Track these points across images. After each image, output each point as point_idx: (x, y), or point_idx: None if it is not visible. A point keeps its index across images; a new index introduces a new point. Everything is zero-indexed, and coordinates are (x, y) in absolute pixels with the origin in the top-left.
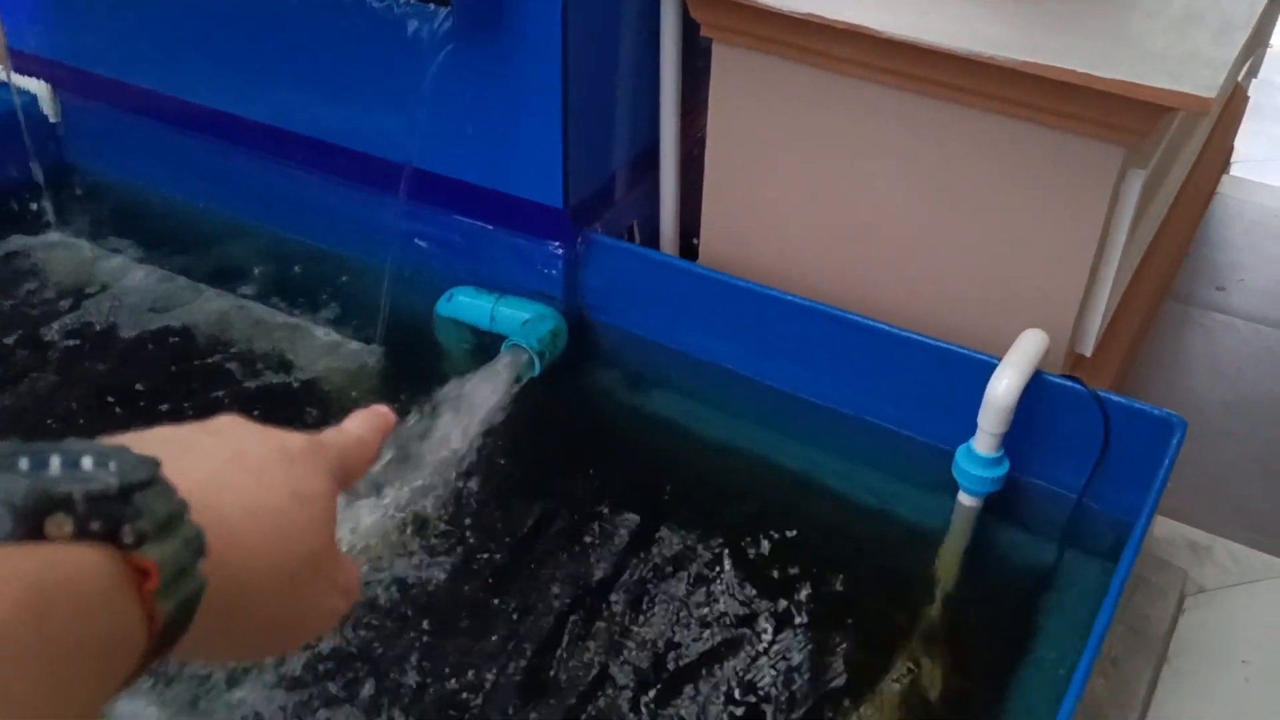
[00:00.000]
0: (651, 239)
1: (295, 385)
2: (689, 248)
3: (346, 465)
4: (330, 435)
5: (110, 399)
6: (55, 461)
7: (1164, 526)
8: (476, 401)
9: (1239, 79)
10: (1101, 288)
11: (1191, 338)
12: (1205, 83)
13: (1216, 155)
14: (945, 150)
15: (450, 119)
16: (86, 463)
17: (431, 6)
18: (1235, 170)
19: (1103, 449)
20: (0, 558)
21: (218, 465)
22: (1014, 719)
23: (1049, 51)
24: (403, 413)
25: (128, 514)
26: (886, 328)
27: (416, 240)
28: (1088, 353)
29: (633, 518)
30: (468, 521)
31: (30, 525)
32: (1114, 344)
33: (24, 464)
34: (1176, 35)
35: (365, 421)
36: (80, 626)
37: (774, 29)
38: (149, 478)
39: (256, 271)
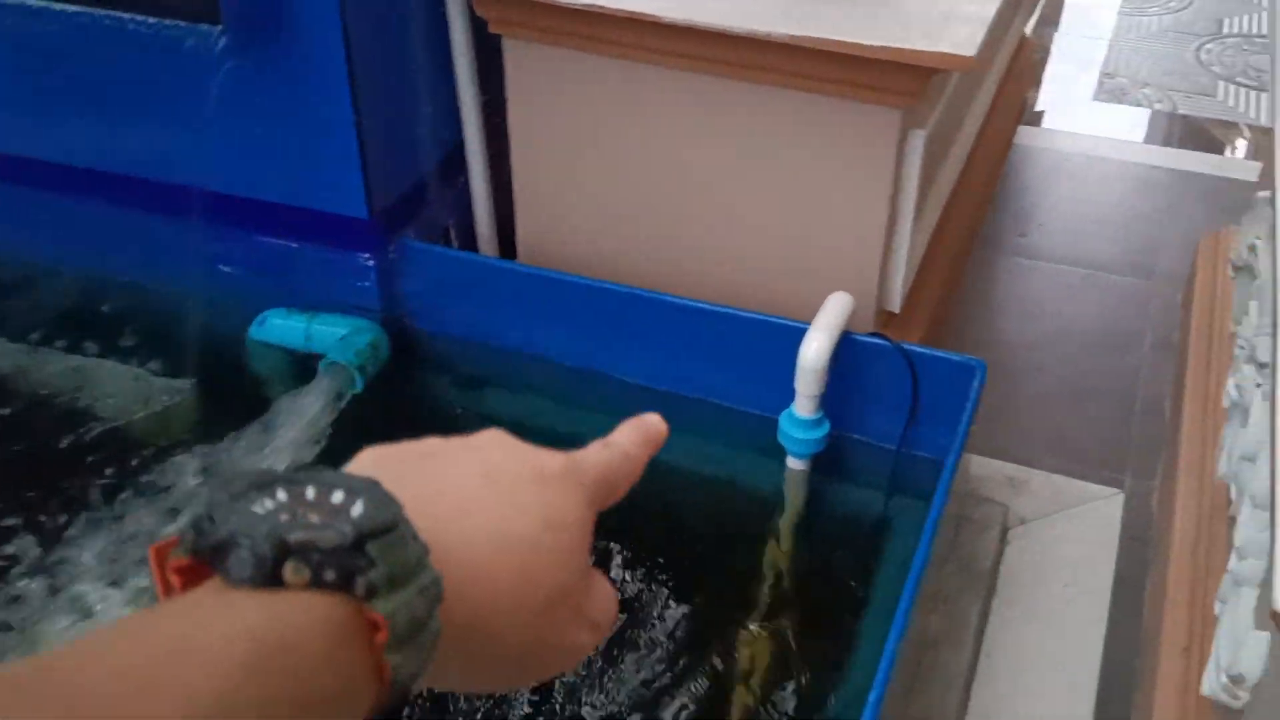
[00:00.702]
0: (470, 239)
1: (106, 431)
2: (509, 244)
3: (608, 484)
4: (593, 452)
5: None
6: (310, 492)
7: (982, 465)
8: (295, 422)
9: (1026, 32)
10: (900, 246)
11: (999, 282)
12: (965, 41)
13: (1011, 106)
14: (734, 125)
15: (241, 137)
16: (338, 496)
17: (203, 25)
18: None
19: (913, 398)
20: (231, 610)
21: (471, 489)
22: (859, 663)
23: (813, 22)
24: (217, 440)
25: (362, 565)
26: (701, 305)
27: (221, 266)
28: (895, 309)
29: None
30: None
31: (269, 571)
32: (923, 296)
33: (280, 495)
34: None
35: (633, 433)
36: (305, 686)
37: (558, 20)
38: (389, 522)
39: (57, 314)
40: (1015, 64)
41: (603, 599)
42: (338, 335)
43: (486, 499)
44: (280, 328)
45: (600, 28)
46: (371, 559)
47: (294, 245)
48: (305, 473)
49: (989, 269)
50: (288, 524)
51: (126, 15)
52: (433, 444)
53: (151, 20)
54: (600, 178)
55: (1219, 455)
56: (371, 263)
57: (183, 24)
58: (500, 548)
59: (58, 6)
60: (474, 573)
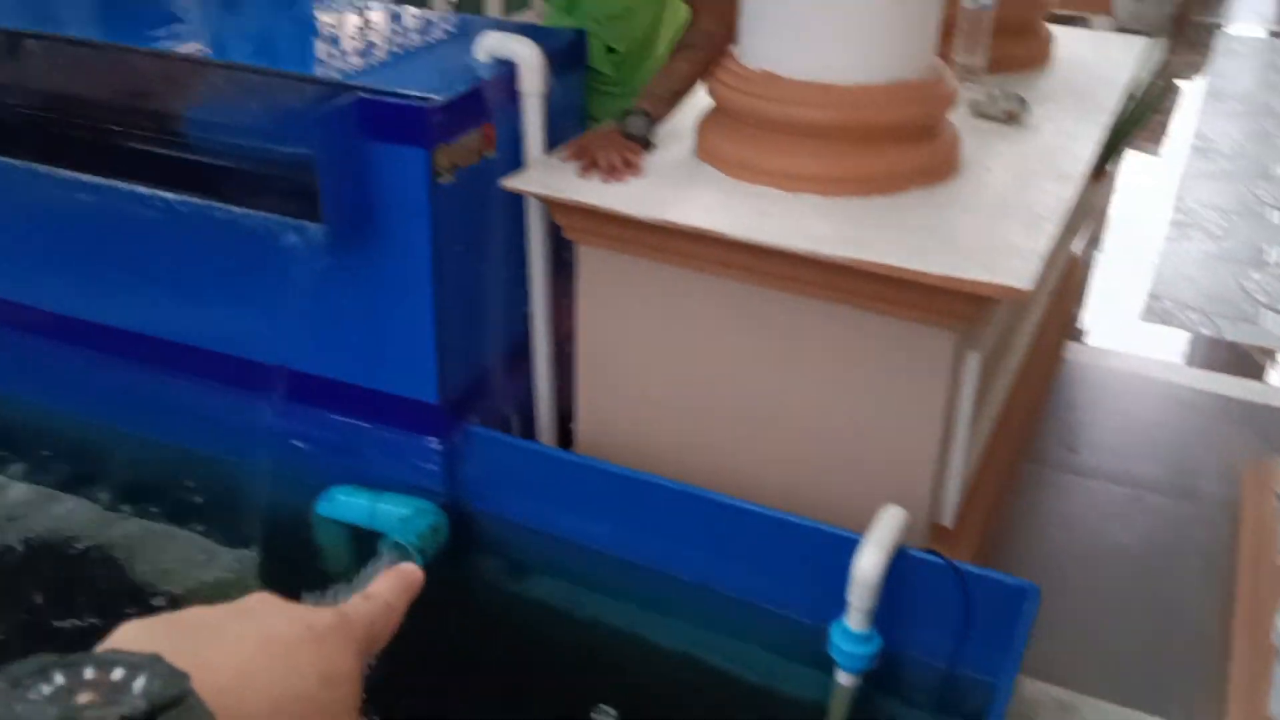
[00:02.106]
0: (530, 427)
1: (169, 601)
2: (567, 435)
3: (373, 635)
4: (356, 606)
5: None
6: (88, 672)
7: (1031, 687)
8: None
9: (1075, 253)
10: (954, 462)
11: (1048, 498)
12: (1020, 273)
13: (1060, 325)
14: (793, 336)
15: (325, 321)
16: (117, 674)
17: (305, 221)
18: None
19: (965, 619)
20: None
21: (247, 655)
22: None
23: (873, 247)
24: None
25: None
26: (753, 508)
27: (293, 441)
28: (948, 523)
29: (519, 702)
30: None
31: None
32: (974, 511)
33: (58, 679)
34: (992, 228)
35: (390, 584)
36: None
37: (630, 231)
38: (179, 694)
39: (132, 480)
40: (1064, 283)
41: None
42: (400, 516)
43: (265, 664)
44: (345, 505)
45: (669, 239)
46: None
47: (365, 425)
48: (80, 654)
49: (1037, 484)
50: (77, 705)
51: (239, 208)
52: (200, 614)
53: (260, 214)
54: (660, 377)
55: (1270, 694)
56: (437, 447)
57: (288, 219)
58: (280, 709)
59: (176, 197)
60: None
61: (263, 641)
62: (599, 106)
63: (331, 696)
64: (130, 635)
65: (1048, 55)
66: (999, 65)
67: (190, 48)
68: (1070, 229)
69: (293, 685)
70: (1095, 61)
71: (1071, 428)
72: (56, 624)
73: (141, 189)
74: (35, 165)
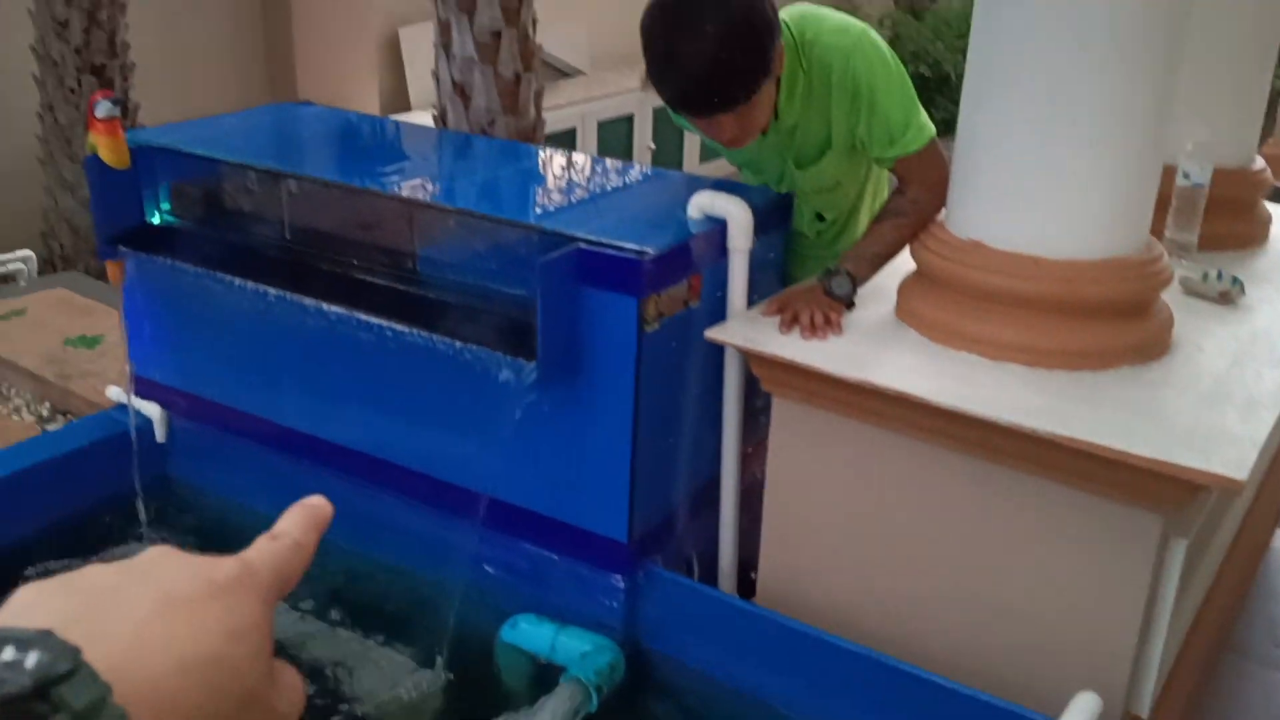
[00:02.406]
0: (710, 569)
1: (354, 715)
2: (746, 580)
3: (282, 578)
4: (261, 549)
5: None
6: None
7: None
8: None
9: None
10: (1153, 650)
11: (1249, 691)
12: (1236, 462)
13: (1268, 510)
14: (990, 506)
15: (526, 453)
16: (8, 653)
17: (522, 361)
18: None
19: None
20: None
21: (146, 616)
22: None
23: (1083, 424)
24: None
25: (45, 712)
26: (942, 681)
27: (485, 565)
28: (1144, 714)
29: None
30: None
31: None
32: (1171, 701)
33: None
34: (1205, 412)
35: (298, 520)
36: None
37: (830, 389)
38: (69, 669)
39: (333, 588)
40: (1274, 467)
41: (290, 689)
42: (581, 650)
43: (164, 627)
44: (529, 634)
45: (867, 398)
46: (55, 705)
47: (554, 556)
48: None
49: (1238, 676)
50: None
51: (460, 342)
52: (96, 576)
53: (479, 348)
54: (847, 534)
55: None
56: (621, 584)
57: (504, 355)
58: (186, 670)
59: (403, 328)
60: (161, 701)
61: (162, 602)
62: (800, 268)
63: (240, 651)
64: (28, 599)
65: (1266, 235)
66: (1213, 243)
67: (427, 192)
68: None
69: (197, 644)
70: None
71: (1278, 620)
72: None
73: (372, 318)
74: (281, 292)
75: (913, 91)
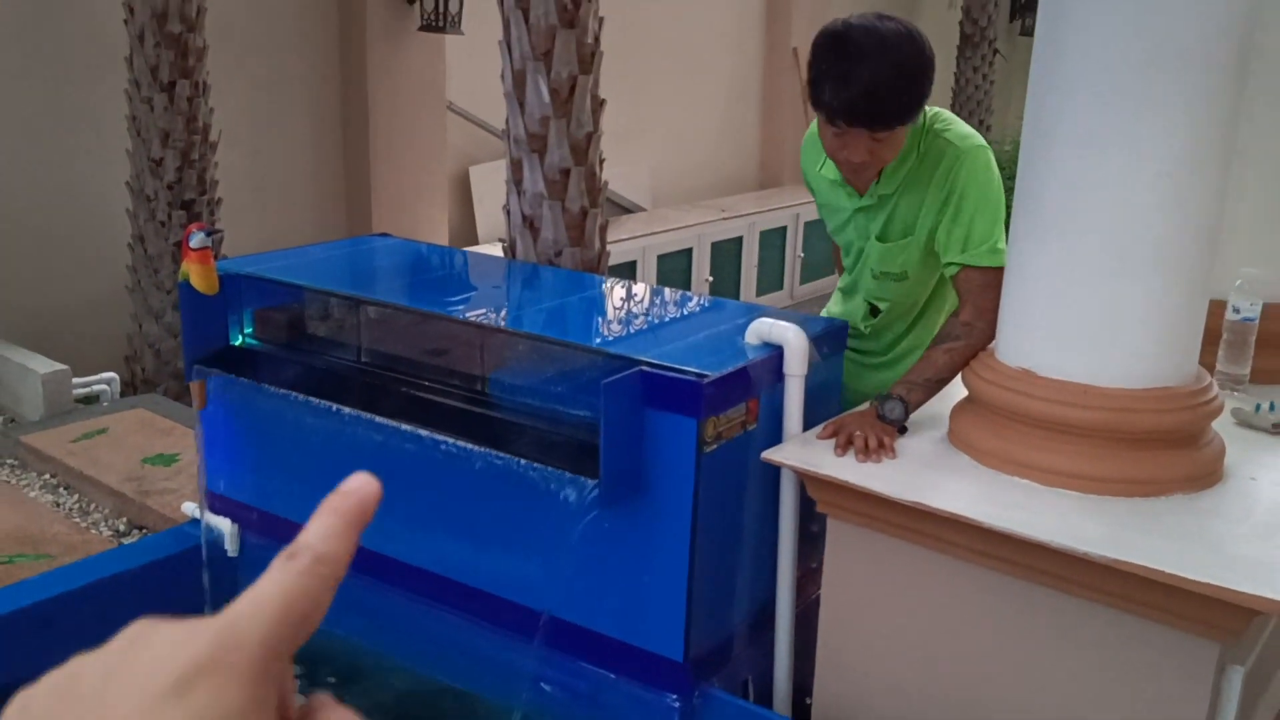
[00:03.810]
0: (766, 692)
1: None
2: (802, 704)
3: (290, 625)
4: (259, 597)
5: None
6: None
7: None
8: None
9: None
10: None
11: None
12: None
13: None
14: (1045, 632)
15: (585, 572)
16: None
17: (584, 479)
18: None
19: None
20: None
21: None
22: None
23: (1137, 549)
24: None
25: None
26: None
27: (543, 684)
28: None
29: None
30: None
31: None
32: None
33: None
34: (1260, 542)
35: (326, 523)
36: None
37: (884, 511)
38: None
39: (395, 709)
40: None
41: None
42: None
43: None
44: None
45: (921, 521)
46: None
47: (610, 676)
48: None
49: None
50: None
51: (525, 461)
52: (80, 677)
53: (544, 467)
54: (902, 659)
55: None
56: (677, 704)
57: (567, 474)
58: None
59: (471, 447)
60: None
61: (137, 706)
62: (851, 375)
63: None
64: (17, 706)
65: None
66: (1268, 376)
67: (497, 318)
68: None
69: None
70: None
71: None
72: None
73: (441, 437)
74: (353, 411)
75: (1003, 217)
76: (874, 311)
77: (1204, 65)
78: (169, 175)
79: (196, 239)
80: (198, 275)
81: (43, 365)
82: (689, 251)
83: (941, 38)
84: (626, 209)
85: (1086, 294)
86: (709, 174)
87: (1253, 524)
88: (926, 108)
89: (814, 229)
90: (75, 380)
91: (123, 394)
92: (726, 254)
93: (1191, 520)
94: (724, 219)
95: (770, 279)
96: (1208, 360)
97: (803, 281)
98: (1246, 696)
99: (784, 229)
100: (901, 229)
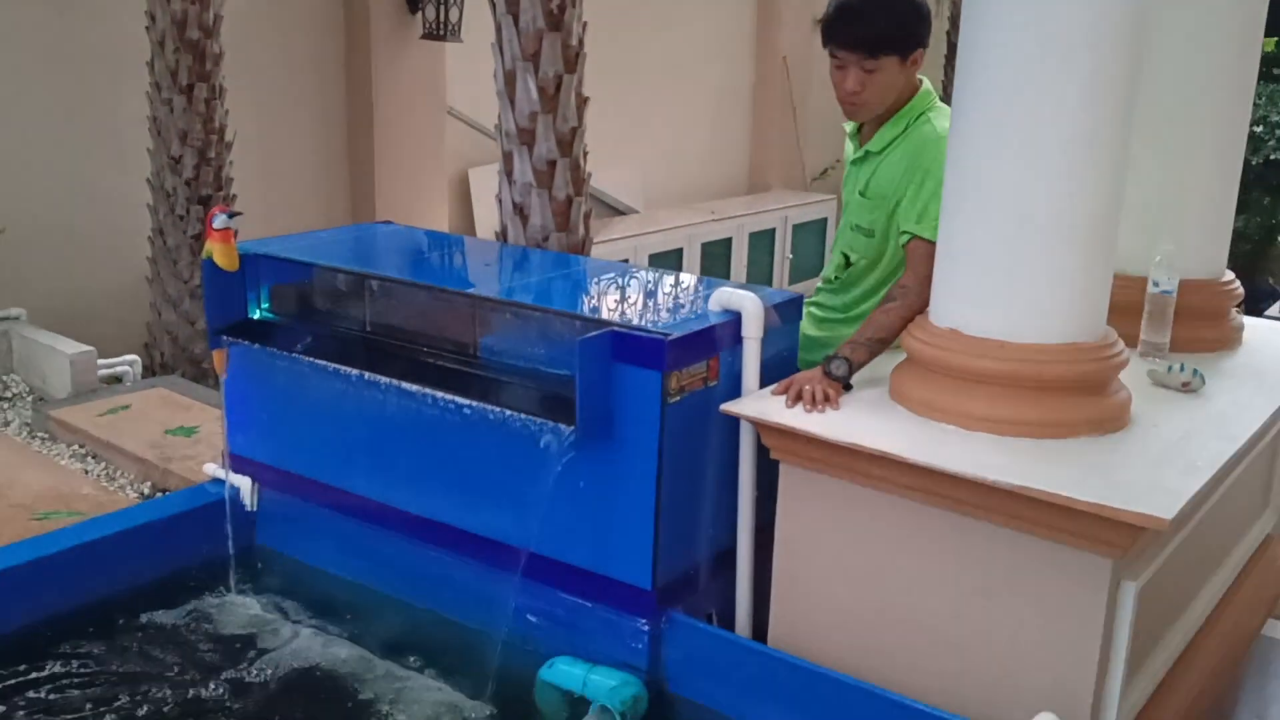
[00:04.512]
0: (728, 626)
1: None
2: (760, 636)
3: None
4: None
5: None
6: None
7: None
8: None
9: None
10: (1113, 681)
11: None
12: (1164, 506)
13: (1254, 602)
14: (964, 555)
15: (562, 511)
16: None
17: (561, 425)
18: None
19: None
20: None
21: None
22: None
23: (1038, 478)
24: None
25: None
26: (924, 708)
27: (528, 615)
28: None
29: None
30: None
31: None
32: None
33: None
34: (1149, 471)
35: None
36: None
37: (827, 453)
38: None
39: (392, 638)
40: (1256, 561)
41: None
42: (609, 686)
43: None
44: (564, 673)
45: (859, 461)
46: None
47: (586, 604)
48: None
49: None
50: None
51: (510, 411)
52: None
53: (526, 416)
54: (846, 584)
55: None
56: (646, 628)
57: (547, 422)
58: None
59: (463, 401)
60: None
61: None
62: (814, 325)
63: None
64: None
65: (1238, 341)
66: (1188, 345)
67: (488, 290)
68: (1248, 495)
69: None
70: None
71: (1265, 701)
72: None
73: (435, 393)
74: (359, 372)
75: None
76: (847, 263)
77: (1090, 53)
78: (187, 172)
79: (220, 220)
80: (220, 253)
81: (70, 347)
82: (679, 251)
83: (931, 47)
84: (620, 210)
85: (1001, 261)
86: (700, 177)
87: (1146, 459)
88: (938, 101)
89: (802, 231)
90: (100, 361)
91: (142, 376)
92: (716, 254)
93: (1092, 456)
94: (714, 220)
95: (759, 279)
96: (1133, 331)
97: (791, 282)
98: (1146, 614)
99: (773, 230)
100: (877, 190)
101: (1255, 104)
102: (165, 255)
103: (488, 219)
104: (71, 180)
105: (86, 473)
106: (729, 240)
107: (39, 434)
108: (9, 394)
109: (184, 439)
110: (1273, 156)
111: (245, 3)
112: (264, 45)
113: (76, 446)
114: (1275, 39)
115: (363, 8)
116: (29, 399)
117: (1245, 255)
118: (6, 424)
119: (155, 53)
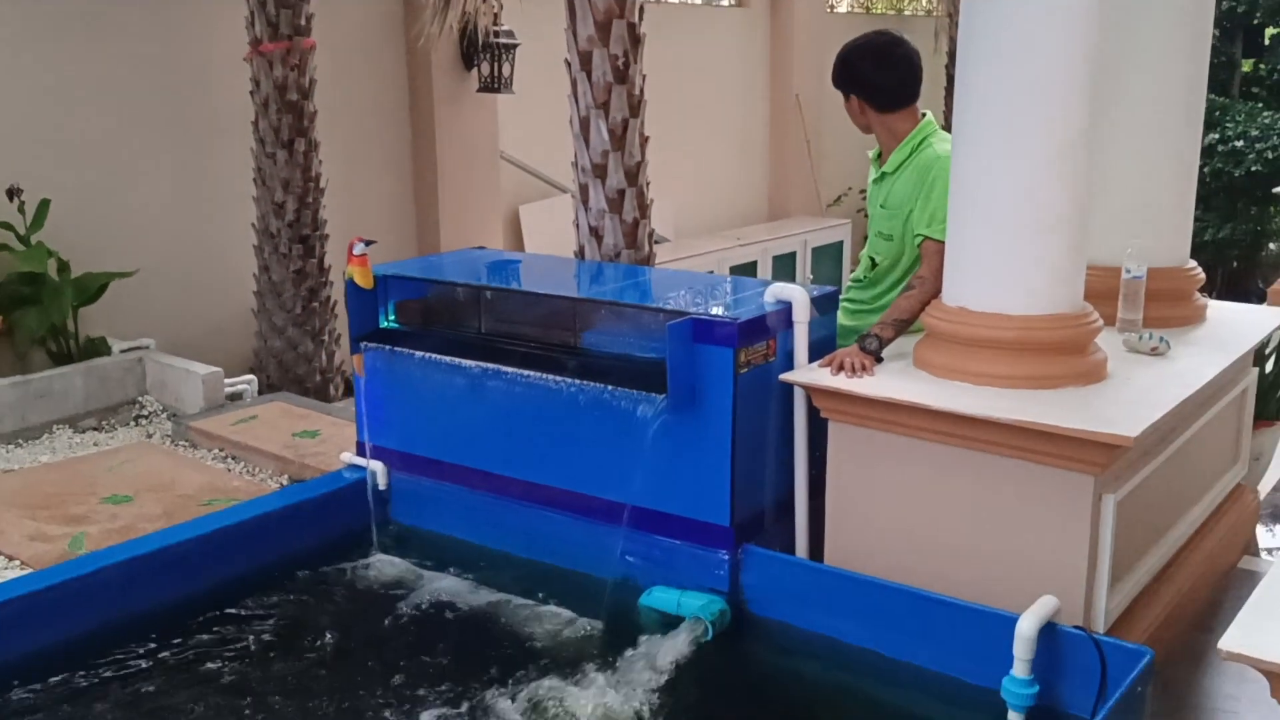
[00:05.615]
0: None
1: (540, 646)
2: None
3: None
4: None
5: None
6: None
7: None
8: (666, 648)
9: (1240, 480)
10: (1099, 582)
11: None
12: (1130, 429)
13: (1230, 537)
14: (977, 481)
15: (655, 468)
16: None
17: (655, 395)
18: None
19: (1102, 678)
20: None
21: None
22: None
23: (1032, 414)
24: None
25: None
26: (947, 599)
27: (627, 556)
28: (1100, 628)
29: None
30: None
31: None
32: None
33: None
34: (1120, 408)
35: None
36: None
37: (866, 409)
38: None
39: (518, 582)
40: (1230, 503)
41: None
42: (700, 604)
43: None
44: (661, 598)
45: (892, 413)
46: None
47: (676, 543)
48: None
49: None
50: None
51: (606, 386)
52: None
53: (625, 390)
54: (886, 513)
55: None
56: (726, 558)
57: (642, 394)
58: None
59: (573, 381)
60: None
61: None
62: (850, 316)
63: None
64: None
65: (1202, 318)
66: (1158, 322)
67: (585, 292)
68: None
69: None
70: (1243, 324)
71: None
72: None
73: (545, 375)
74: (478, 364)
75: None
76: (873, 264)
77: (1062, 90)
78: (289, 215)
79: (359, 247)
80: (359, 274)
81: (201, 369)
82: (710, 274)
83: (930, 80)
84: (654, 240)
85: (999, 252)
86: (725, 207)
87: (1119, 402)
88: (938, 129)
89: (820, 253)
90: (225, 380)
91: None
92: (744, 275)
93: (1075, 400)
94: (740, 245)
95: None
96: (1114, 312)
97: None
98: (1125, 525)
99: (793, 253)
100: (894, 202)
101: (1236, 120)
102: (270, 289)
103: (539, 249)
104: (187, 228)
105: (229, 470)
106: (754, 263)
107: (181, 442)
108: (146, 412)
109: (309, 440)
110: (1253, 169)
111: (329, 67)
112: (345, 102)
113: (216, 450)
114: (1253, 60)
115: (425, 65)
116: (163, 415)
117: (1237, 260)
118: (149, 436)
119: (259, 113)
